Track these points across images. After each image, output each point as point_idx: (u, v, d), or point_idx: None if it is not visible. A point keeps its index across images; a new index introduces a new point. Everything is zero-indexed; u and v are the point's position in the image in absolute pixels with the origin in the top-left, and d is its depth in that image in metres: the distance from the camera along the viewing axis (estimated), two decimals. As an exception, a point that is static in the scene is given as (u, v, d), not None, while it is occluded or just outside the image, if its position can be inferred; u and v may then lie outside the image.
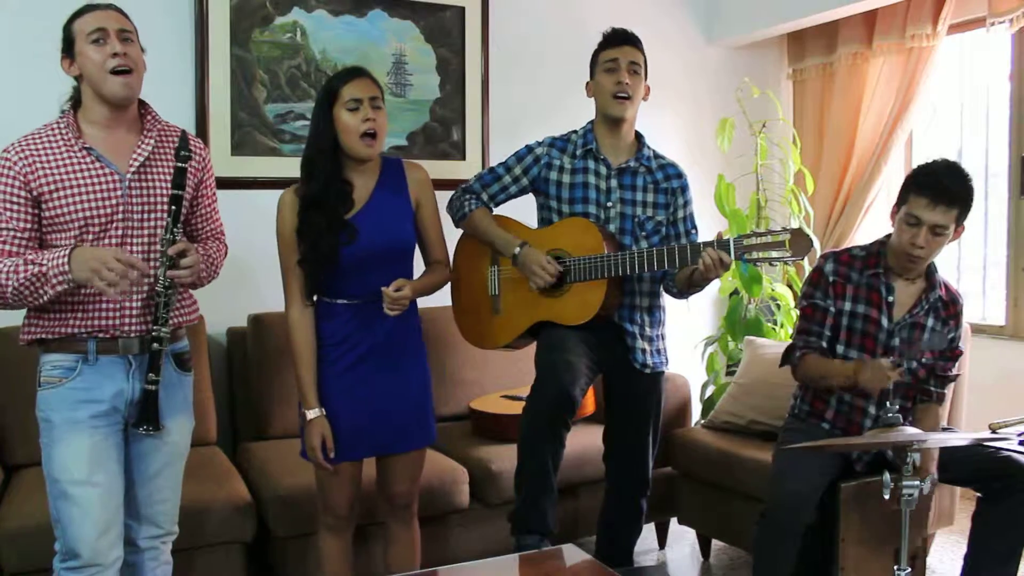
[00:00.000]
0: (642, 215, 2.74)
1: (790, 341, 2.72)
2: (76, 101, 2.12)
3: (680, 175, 2.81)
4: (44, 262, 1.96)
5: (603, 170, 2.74)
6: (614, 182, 2.73)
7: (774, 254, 2.35)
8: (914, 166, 2.84)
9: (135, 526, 2.20)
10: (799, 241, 2.34)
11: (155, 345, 2.08)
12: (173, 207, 2.09)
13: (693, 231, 2.81)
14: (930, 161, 2.53)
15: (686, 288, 2.67)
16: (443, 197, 2.85)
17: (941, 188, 2.40)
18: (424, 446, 2.50)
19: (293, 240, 2.33)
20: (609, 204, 2.73)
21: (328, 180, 2.30)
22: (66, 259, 1.95)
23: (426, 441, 2.49)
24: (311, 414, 2.33)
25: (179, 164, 2.10)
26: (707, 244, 2.45)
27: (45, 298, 1.99)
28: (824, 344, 2.61)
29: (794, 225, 4.08)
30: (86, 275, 1.94)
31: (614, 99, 2.69)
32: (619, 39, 2.74)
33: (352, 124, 2.27)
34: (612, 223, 2.72)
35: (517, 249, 2.67)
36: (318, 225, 2.28)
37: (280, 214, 2.36)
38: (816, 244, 4.18)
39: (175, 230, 2.08)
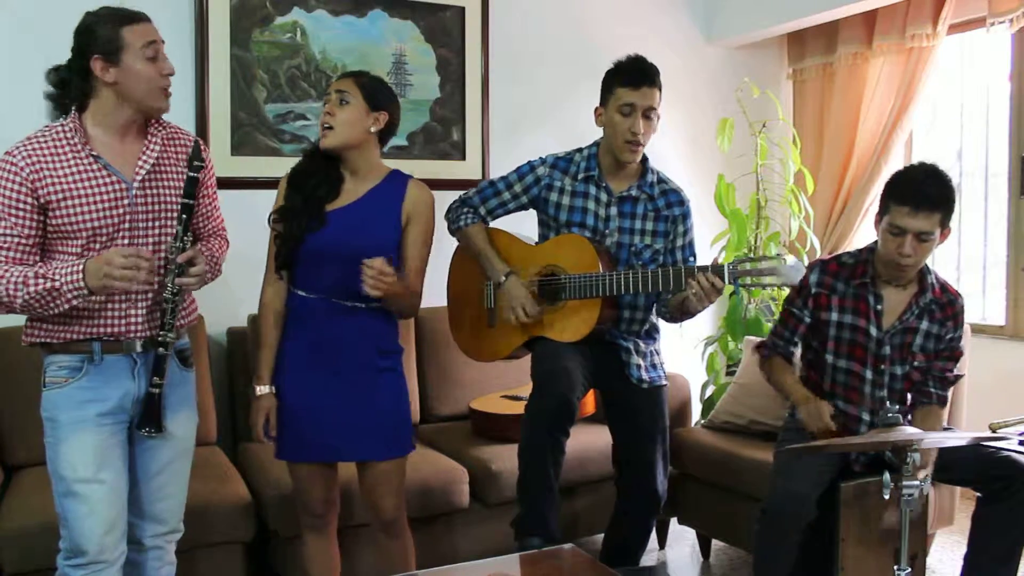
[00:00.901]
0: (639, 244, 2.71)
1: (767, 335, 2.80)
2: (81, 103, 2.07)
3: (682, 202, 2.76)
4: (56, 277, 1.96)
5: (604, 197, 2.71)
6: (614, 210, 2.71)
7: (767, 280, 2.40)
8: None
9: (140, 524, 2.20)
10: (792, 267, 2.37)
11: (161, 349, 2.08)
12: (184, 216, 2.08)
13: (692, 259, 2.77)
14: (907, 167, 2.53)
15: (678, 314, 2.66)
16: (443, 197, 2.85)
17: (922, 195, 2.38)
18: (391, 457, 2.39)
19: None
20: (607, 232, 2.71)
21: (317, 166, 2.36)
22: (80, 275, 1.95)
23: (392, 453, 2.39)
24: (260, 390, 2.35)
25: (191, 174, 2.10)
26: (702, 268, 2.45)
27: (57, 311, 2.00)
28: (792, 350, 2.70)
29: (795, 227, 4.10)
30: (101, 284, 1.95)
31: (626, 145, 2.64)
32: (638, 79, 2.62)
33: (322, 117, 2.35)
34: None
35: (503, 278, 2.68)
36: (295, 203, 2.34)
37: (279, 189, 2.43)
38: (816, 244, 4.19)
39: (185, 238, 2.08)
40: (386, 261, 2.20)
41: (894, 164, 4.21)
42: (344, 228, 2.32)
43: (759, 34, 4.44)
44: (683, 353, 4.14)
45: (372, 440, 2.36)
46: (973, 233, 4.18)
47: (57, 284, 1.95)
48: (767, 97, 4.26)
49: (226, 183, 3.46)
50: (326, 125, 2.32)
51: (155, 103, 2.08)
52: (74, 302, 1.98)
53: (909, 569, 2.05)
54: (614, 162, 2.72)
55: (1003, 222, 3.97)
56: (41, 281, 1.96)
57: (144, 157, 2.10)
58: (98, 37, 2.01)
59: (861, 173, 4.30)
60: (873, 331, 2.54)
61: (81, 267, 1.96)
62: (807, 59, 4.58)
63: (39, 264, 2.01)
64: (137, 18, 2.06)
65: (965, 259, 4.24)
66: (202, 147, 2.20)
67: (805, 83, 4.67)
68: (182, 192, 2.13)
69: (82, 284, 1.95)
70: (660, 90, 2.67)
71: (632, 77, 2.63)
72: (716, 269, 2.43)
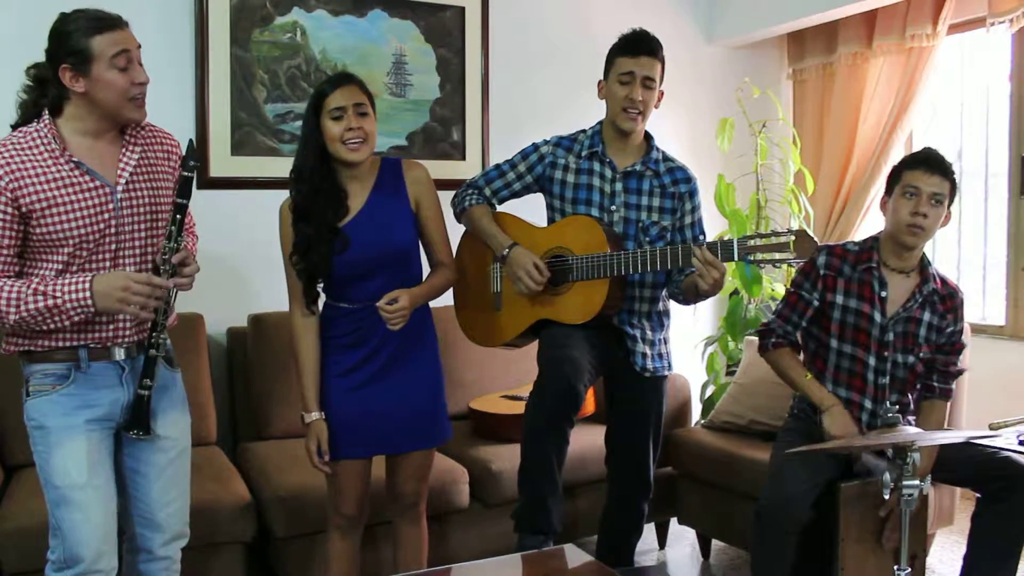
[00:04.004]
0: (646, 220, 2.70)
1: (769, 318, 2.75)
2: (55, 108, 1.99)
3: (689, 179, 2.76)
4: (58, 294, 1.91)
5: (608, 173, 2.71)
6: (619, 186, 2.70)
7: (778, 256, 2.34)
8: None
9: (149, 534, 2.17)
10: (803, 243, 2.31)
11: (152, 352, 2.05)
12: (178, 216, 2.03)
13: (701, 237, 2.76)
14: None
15: (692, 296, 2.64)
16: (444, 197, 2.85)
17: (935, 159, 2.51)
18: (431, 446, 2.50)
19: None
20: (613, 208, 2.70)
21: (316, 189, 2.31)
22: (87, 293, 1.91)
23: (434, 441, 2.50)
24: (308, 417, 2.38)
25: (186, 174, 2.05)
26: (710, 244, 2.43)
27: (55, 326, 1.95)
28: (799, 337, 2.69)
29: (794, 226, 4.09)
30: (114, 306, 1.92)
31: (624, 112, 2.65)
32: (637, 48, 2.65)
33: (336, 132, 2.28)
34: (615, 227, 2.69)
35: (506, 250, 2.66)
36: (307, 236, 2.30)
37: (280, 225, 2.38)
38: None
39: (179, 239, 2.04)
40: (386, 299, 2.28)
41: (894, 164, 4.21)
42: (365, 238, 2.33)
43: (759, 34, 4.44)
44: (683, 353, 4.14)
45: (419, 429, 2.43)
46: (973, 233, 4.18)
47: (59, 302, 1.90)
48: (767, 97, 4.26)
49: (226, 183, 3.49)
50: (358, 139, 2.28)
51: (128, 114, 2.01)
52: (75, 318, 1.94)
53: (909, 569, 2.05)
54: (617, 136, 2.71)
55: (1003, 222, 3.97)
56: (40, 299, 1.90)
57: (125, 159, 2.05)
58: (67, 45, 1.92)
59: (861, 173, 4.30)
60: (877, 317, 2.55)
61: (87, 285, 1.91)
62: (807, 59, 4.58)
63: (36, 279, 1.95)
64: (110, 24, 1.95)
65: (965, 259, 4.24)
66: (170, 140, 2.17)
67: (805, 83, 4.67)
68: (168, 193, 2.11)
69: (89, 303, 1.91)
70: (662, 64, 2.68)
71: (631, 46, 2.66)
72: (725, 244, 2.40)
